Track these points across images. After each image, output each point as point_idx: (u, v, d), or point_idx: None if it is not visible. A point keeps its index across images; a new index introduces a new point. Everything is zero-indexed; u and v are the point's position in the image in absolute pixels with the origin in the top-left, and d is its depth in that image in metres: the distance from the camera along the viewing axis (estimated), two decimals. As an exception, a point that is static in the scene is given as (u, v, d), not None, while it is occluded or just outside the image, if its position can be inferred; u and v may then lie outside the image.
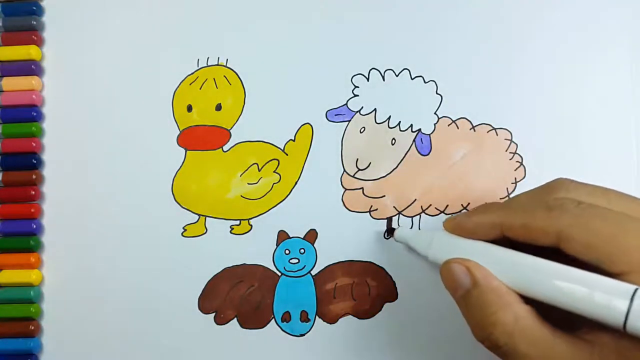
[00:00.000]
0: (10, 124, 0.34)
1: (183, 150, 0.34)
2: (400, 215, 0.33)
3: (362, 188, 0.33)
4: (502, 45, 0.33)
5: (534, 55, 0.33)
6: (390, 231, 0.32)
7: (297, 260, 0.33)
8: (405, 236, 0.31)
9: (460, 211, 0.32)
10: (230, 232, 0.33)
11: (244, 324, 0.33)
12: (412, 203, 0.33)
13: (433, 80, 0.33)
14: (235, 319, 0.33)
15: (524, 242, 0.25)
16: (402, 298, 0.32)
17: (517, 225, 0.25)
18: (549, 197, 0.25)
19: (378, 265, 0.32)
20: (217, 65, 0.34)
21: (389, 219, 0.33)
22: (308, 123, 0.33)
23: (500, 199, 0.32)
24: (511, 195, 0.32)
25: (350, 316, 0.32)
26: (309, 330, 0.32)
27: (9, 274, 0.33)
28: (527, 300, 0.24)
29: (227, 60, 0.34)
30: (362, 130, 0.33)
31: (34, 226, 0.33)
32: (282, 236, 0.33)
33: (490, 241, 0.26)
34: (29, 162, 0.34)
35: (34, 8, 0.34)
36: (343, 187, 0.33)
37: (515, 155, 0.33)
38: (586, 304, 0.22)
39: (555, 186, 0.25)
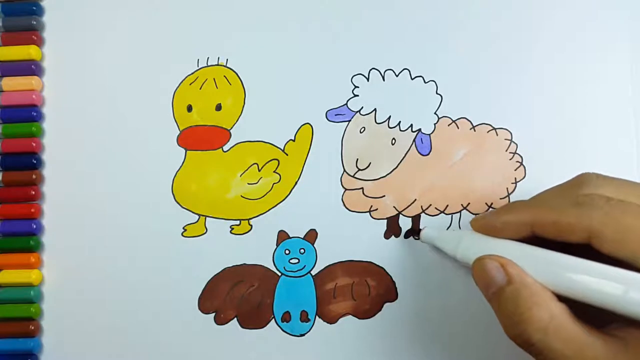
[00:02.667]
0: (10, 124, 0.34)
1: (183, 150, 0.34)
2: (401, 215, 0.33)
3: (362, 188, 0.33)
4: (502, 45, 0.33)
5: (534, 55, 0.33)
6: (416, 232, 0.32)
7: (297, 260, 0.33)
8: (432, 237, 0.31)
9: (460, 211, 0.32)
10: (230, 232, 0.33)
11: (244, 324, 0.33)
12: (412, 203, 0.33)
13: (433, 80, 0.33)
14: (235, 319, 0.33)
15: (554, 239, 0.25)
16: (402, 298, 0.32)
17: (547, 223, 0.25)
18: (577, 192, 0.25)
19: (378, 265, 0.32)
20: (217, 65, 0.34)
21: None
22: (308, 123, 0.33)
23: (500, 199, 0.32)
24: (511, 196, 0.32)
25: (350, 316, 0.32)
26: (309, 330, 0.32)
27: (9, 274, 0.33)
28: (559, 298, 0.24)
29: (227, 60, 0.34)
30: (362, 130, 0.33)
31: (34, 226, 0.33)
32: (282, 236, 0.33)
33: (519, 240, 0.26)
34: (29, 162, 0.34)
35: (34, 8, 0.34)
36: (343, 187, 0.33)
37: (515, 155, 0.33)
38: (620, 301, 0.22)
39: (583, 181, 0.25)
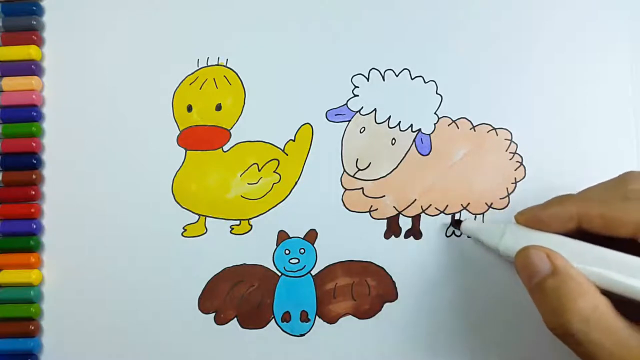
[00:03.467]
0: (10, 124, 0.34)
1: (183, 150, 0.34)
2: (401, 215, 0.33)
3: (362, 188, 0.33)
4: (502, 45, 0.33)
5: (534, 55, 0.33)
6: (456, 223, 0.32)
7: (297, 260, 0.33)
8: (472, 229, 0.31)
9: (460, 211, 0.32)
10: (230, 232, 0.33)
11: (244, 324, 0.33)
12: (412, 203, 0.33)
13: (433, 80, 0.33)
14: (235, 319, 0.33)
15: (600, 233, 0.25)
16: (402, 298, 0.32)
17: (594, 216, 0.25)
18: (625, 188, 0.25)
19: (378, 265, 0.32)
20: (217, 65, 0.34)
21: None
22: (308, 123, 0.33)
23: (500, 199, 0.32)
24: (511, 196, 0.32)
25: (350, 316, 0.32)
26: (309, 330, 0.32)
27: (9, 274, 0.33)
28: (602, 292, 0.24)
29: (227, 60, 0.34)
30: (362, 130, 0.33)
31: (34, 226, 0.33)
32: (282, 236, 0.33)
33: (564, 234, 0.26)
34: (29, 162, 0.34)
35: (34, 8, 0.34)
36: (343, 187, 0.33)
37: (515, 155, 0.33)
38: None
39: (628, 178, 0.26)
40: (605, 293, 0.24)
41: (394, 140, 0.33)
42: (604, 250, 0.25)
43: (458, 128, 0.33)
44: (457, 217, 0.32)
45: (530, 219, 0.27)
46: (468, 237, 0.32)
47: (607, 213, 0.25)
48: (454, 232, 0.32)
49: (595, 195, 0.26)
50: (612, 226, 0.25)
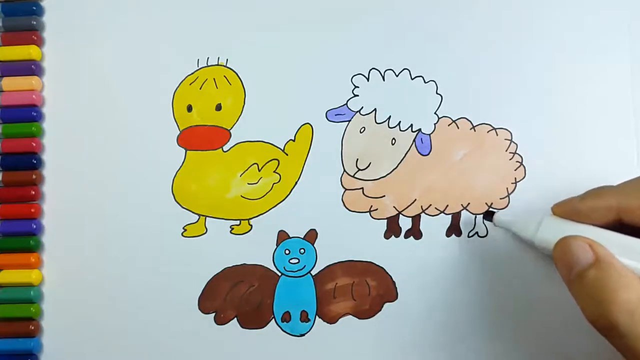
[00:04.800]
0: (10, 124, 0.34)
1: (183, 150, 0.34)
2: (401, 215, 0.33)
3: (362, 188, 0.33)
4: (502, 45, 0.33)
5: (534, 55, 0.33)
6: (489, 214, 0.31)
7: (297, 260, 0.33)
8: (507, 220, 0.30)
9: (460, 211, 0.32)
10: (230, 232, 0.33)
11: (244, 324, 0.33)
12: (412, 203, 0.33)
13: (433, 80, 0.33)
14: (235, 319, 0.33)
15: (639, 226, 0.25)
16: (402, 298, 0.32)
17: (635, 208, 0.25)
18: None
19: (378, 265, 0.32)
20: (217, 65, 0.34)
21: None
22: (308, 123, 0.33)
23: (500, 199, 0.32)
24: (511, 196, 0.32)
25: (350, 316, 0.32)
26: (309, 330, 0.32)
27: (9, 274, 0.33)
28: None
29: (227, 60, 0.34)
30: (362, 130, 0.33)
31: (34, 226, 0.33)
32: (282, 236, 0.33)
33: (602, 226, 0.26)
34: (29, 162, 0.34)
35: (34, 8, 0.34)
36: (343, 187, 0.33)
37: (515, 155, 0.33)
38: None
39: None
40: None
41: (394, 140, 0.33)
42: None
43: (458, 128, 0.33)
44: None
45: (569, 210, 0.27)
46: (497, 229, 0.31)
47: None
48: (454, 232, 0.32)
49: (634, 187, 0.26)
50: None
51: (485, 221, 0.32)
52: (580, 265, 0.25)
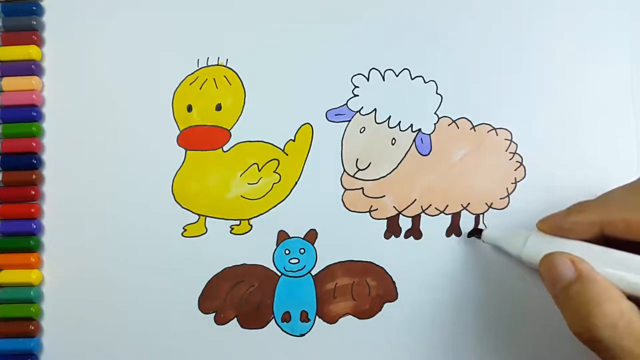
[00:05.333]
0: (10, 124, 0.34)
1: (183, 150, 0.34)
2: (401, 215, 0.33)
3: (362, 188, 0.33)
4: (502, 45, 0.33)
5: (534, 55, 0.33)
6: (476, 232, 0.32)
7: (297, 260, 0.33)
8: (494, 237, 0.31)
9: (460, 211, 0.32)
10: (230, 232, 0.33)
11: (244, 324, 0.33)
12: (412, 203, 0.33)
13: (433, 80, 0.33)
14: (235, 319, 0.33)
15: (622, 238, 0.25)
16: (402, 298, 0.32)
17: (617, 221, 0.25)
18: None
19: (378, 265, 0.32)
20: (217, 65, 0.34)
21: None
22: (308, 123, 0.33)
23: (500, 199, 0.32)
24: (511, 196, 0.32)
25: (350, 316, 0.32)
26: (309, 330, 0.32)
27: (9, 274, 0.33)
28: (627, 297, 0.24)
29: (227, 60, 0.34)
30: (362, 130, 0.33)
31: (34, 226, 0.33)
32: (282, 236, 0.33)
33: (587, 240, 0.26)
34: (29, 162, 0.34)
35: (34, 8, 0.34)
36: (343, 187, 0.33)
37: (515, 155, 0.33)
38: None
39: None
40: (630, 298, 0.24)
41: (394, 140, 0.33)
42: (628, 255, 0.25)
43: (458, 128, 0.33)
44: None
45: (552, 226, 0.27)
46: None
47: (629, 218, 0.25)
48: (454, 232, 0.32)
49: (616, 199, 0.26)
50: (636, 231, 0.24)
51: (475, 237, 0.32)
52: (564, 280, 0.25)
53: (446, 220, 0.32)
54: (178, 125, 0.34)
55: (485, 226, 0.32)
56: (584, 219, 0.26)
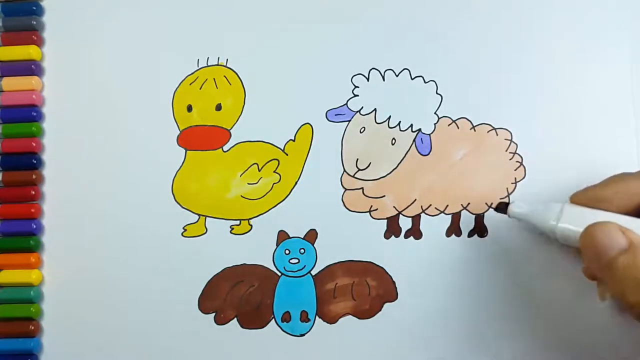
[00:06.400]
0: (10, 124, 0.34)
1: (183, 150, 0.34)
2: (401, 215, 0.33)
3: (362, 188, 0.33)
4: (502, 45, 0.33)
5: (534, 55, 0.33)
6: (502, 206, 0.30)
7: (297, 260, 0.33)
8: (522, 212, 0.29)
9: (460, 211, 0.32)
10: (230, 232, 0.33)
11: (244, 324, 0.33)
12: (412, 203, 0.33)
13: (433, 80, 0.33)
14: (235, 319, 0.33)
15: None
16: (402, 298, 0.32)
17: None
18: None
19: (378, 265, 0.32)
20: (217, 65, 0.34)
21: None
22: (308, 123, 0.33)
23: (500, 199, 0.32)
24: (511, 196, 0.32)
25: (350, 316, 0.32)
26: (309, 330, 0.32)
27: (9, 274, 0.33)
28: None
29: (227, 60, 0.34)
30: (362, 130, 0.33)
31: (34, 226, 0.33)
32: (282, 236, 0.33)
33: (623, 213, 0.26)
34: (29, 162, 0.34)
35: (34, 8, 0.34)
36: (343, 187, 0.33)
37: (515, 155, 0.33)
38: None
39: None
40: None
41: (394, 140, 0.33)
42: None
43: (458, 128, 0.33)
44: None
45: (591, 198, 0.27)
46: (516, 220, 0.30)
47: None
48: (454, 232, 0.32)
49: None
50: None
51: (498, 213, 0.31)
52: (614, 250, 0.24)
53: (446, 220, 0.32)
54: (178, 125, 0.34)
55: (510, 201, 0.31)
56: (626, 189, 0.26)
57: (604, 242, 0.25)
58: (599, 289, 0.29)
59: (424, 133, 0.33)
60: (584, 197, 0.27)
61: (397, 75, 0.33)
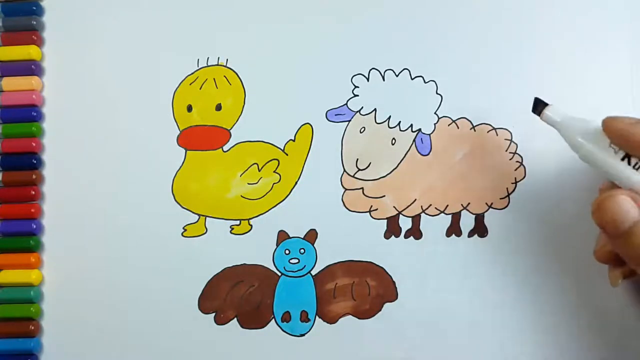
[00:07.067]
0: (10, 124, 0.34)
1: (183, 150, 0.34)
2: (401, 215, 0.33)
3: (362, 188, 0.33)
4: (502, 45, 0.33)
5: (534, 55, 0.33)
6: (540, 105, 0.29)
7: (297, 260, 0.33)
8: (554, 119, 0.29)
9: (460, 211, 0.32)
10: (230, 232, 0.33)
11: (244, 324, 0.33)
12: (412, 203, 0.33)
13: (433, 80, 0.33)
14: (235, 319, 0.33)
15: None
16: (402, 298, 0.32)
17: None
18: None
19: (378, 265, 0.32)
20: (217, 65, 0.34)
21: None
22: (308, 123, 0.33)
23: (500, 199, 0.32)
24: (511, 196, 0.32)
25: (350, 316, 0.32)
26: (309, 330, 0.32)
27: (9, 274, 0.33)
28: None
29: (227, 60, 0.34)
30: (362, 130, 0.33)
31: (34, 226, 0.33)
32: (282, 236, 0.33)
33: None
34: (29, 162, 0.34)
35: (34, 8, 0.34)
36: (343, 187, 0.33)
37: (515, 155, 0.33)
38: None
39: None
40: None
41: (394, 140, 0.33)
42: None
43: (458, 128, 0.33)
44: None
45: (618, 131, 0.26)
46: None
47: None
48: (454, 232, 0.32)
49: None
50: None
51: (533, 113, 0.30)
52: (630, 219, 0.24)
53: (446, 220, 0.32)
54: (178, 125, 0.34)
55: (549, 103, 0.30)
56: None
57: (618, 212, 0.25)
58: (610, 274, 0.29)
59: (424, 133, 0.33)
60: (614, 129, 0.27)
61: (397, 75, 0.33)
